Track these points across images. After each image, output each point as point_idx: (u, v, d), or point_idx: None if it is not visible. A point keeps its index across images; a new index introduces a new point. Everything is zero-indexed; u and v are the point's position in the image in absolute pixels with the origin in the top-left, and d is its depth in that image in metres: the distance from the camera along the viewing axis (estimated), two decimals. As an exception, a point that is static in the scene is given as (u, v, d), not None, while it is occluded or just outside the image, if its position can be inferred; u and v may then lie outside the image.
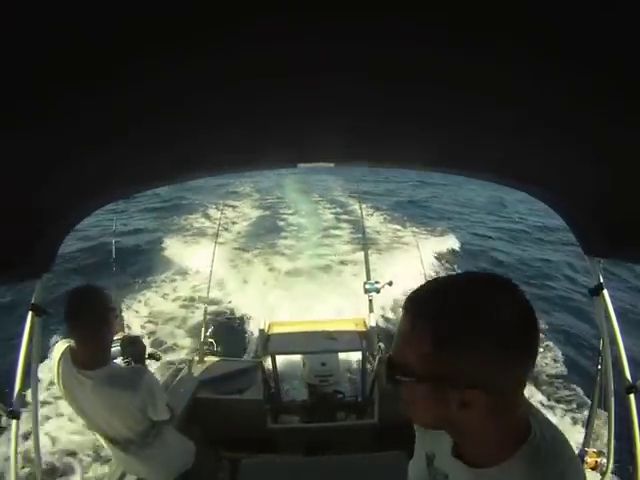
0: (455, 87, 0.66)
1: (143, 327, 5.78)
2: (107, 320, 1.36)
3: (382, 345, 3.09)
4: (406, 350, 0.54)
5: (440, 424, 0.58)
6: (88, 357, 1.36)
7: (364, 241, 4.41)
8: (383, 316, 5.27)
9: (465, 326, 0.49)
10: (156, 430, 1.52)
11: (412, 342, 0.53)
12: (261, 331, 2.78)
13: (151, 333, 5.66)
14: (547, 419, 0.62)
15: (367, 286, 2.99)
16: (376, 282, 3.03)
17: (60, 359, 1.41)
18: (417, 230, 9.17)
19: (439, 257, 7.88)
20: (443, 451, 0.67)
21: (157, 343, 5.41)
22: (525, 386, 0.56)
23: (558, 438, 0.58)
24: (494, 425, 0.55)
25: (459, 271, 5.11)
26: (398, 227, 9.72)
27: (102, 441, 1.53)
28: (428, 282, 0.57)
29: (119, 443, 1.49)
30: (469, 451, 0.60)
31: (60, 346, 1.45)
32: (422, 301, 0.54)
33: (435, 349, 0.50)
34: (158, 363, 3.09)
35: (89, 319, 1.30)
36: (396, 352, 0.55)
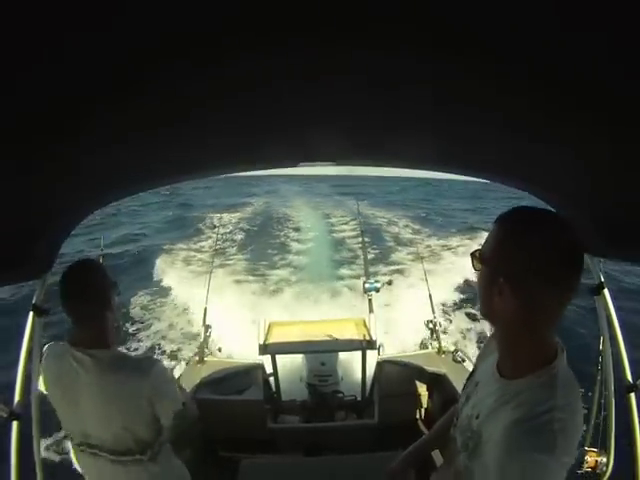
0: (455, 88, 0.66)
1: (143, 328, 5.78)
2: (110, 297, 1.24)
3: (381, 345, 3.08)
4: (485, 245, 0.74)
5: (489, 313, 0.74)
6: (89, 336, 1.20)
7: (363, 240, 4.41)
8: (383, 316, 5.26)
9: (526, 247, 0.65)
10: (161, 444, 1.26)
11: (489, 240, 0.73)
12: (261, 331, 2.78)
13: (150, 333, 5.67)
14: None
15: (367, 285, 2.97)
16: (376, 281, 3.02)
17: (46, 346, 1.27)
18: (419, 231, 9.17)
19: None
20: (486, 364, 0.84)
21: (157, 343, 5.41)
22: (557, 320, 0.68)
23: (573, 378, 0.70)
24: (527, 339, 0.69)
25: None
26: (398, 224, 9.72)
27: (83, 459, 1.24)
28: (516, 210, 0.72)
29: (115, 454, 1.19)
30: (505, 363, 0.76)
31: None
32: (509, 220, 0.72)
33: (499, 247, 0.70)
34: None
35: (90, 296, 1.18)
36: (481, 247, 0.76)
